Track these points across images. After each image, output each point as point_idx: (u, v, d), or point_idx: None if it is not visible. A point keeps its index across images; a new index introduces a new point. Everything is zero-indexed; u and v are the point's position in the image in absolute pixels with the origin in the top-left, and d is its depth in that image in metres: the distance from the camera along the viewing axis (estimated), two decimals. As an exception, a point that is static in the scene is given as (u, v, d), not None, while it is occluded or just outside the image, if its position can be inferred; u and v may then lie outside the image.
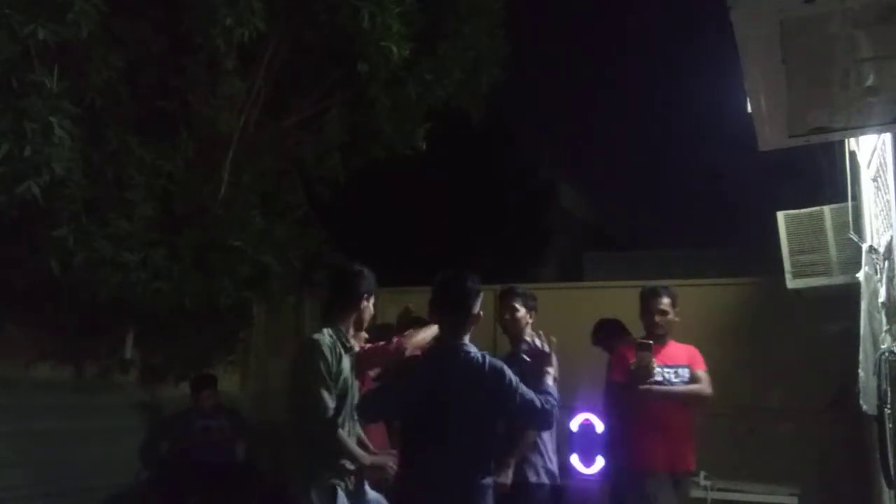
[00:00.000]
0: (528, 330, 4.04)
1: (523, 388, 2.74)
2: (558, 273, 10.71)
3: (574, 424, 5.64)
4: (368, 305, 3.28)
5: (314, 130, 5.70)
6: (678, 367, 3.87)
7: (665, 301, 3.94)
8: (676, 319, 3.95)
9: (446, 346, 2.83)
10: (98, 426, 5.26)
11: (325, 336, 3.09)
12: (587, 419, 5.63)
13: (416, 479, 2.75)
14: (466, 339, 2.80)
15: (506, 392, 2.71)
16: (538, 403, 2.76)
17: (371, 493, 3.21)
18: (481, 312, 2.83)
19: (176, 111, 4.93)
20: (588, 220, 13.49)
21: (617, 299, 6.15)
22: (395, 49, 4.98)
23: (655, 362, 3.76)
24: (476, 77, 5.90)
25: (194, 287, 4.95)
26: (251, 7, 4.37)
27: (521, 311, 4.03)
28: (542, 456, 3.87)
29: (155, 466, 5.39)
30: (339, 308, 3.23)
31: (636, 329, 5.26)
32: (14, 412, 4.74)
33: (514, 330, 4.03)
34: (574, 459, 5.57)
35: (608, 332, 5.12)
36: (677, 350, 3.93)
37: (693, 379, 3.86)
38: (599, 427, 5.56)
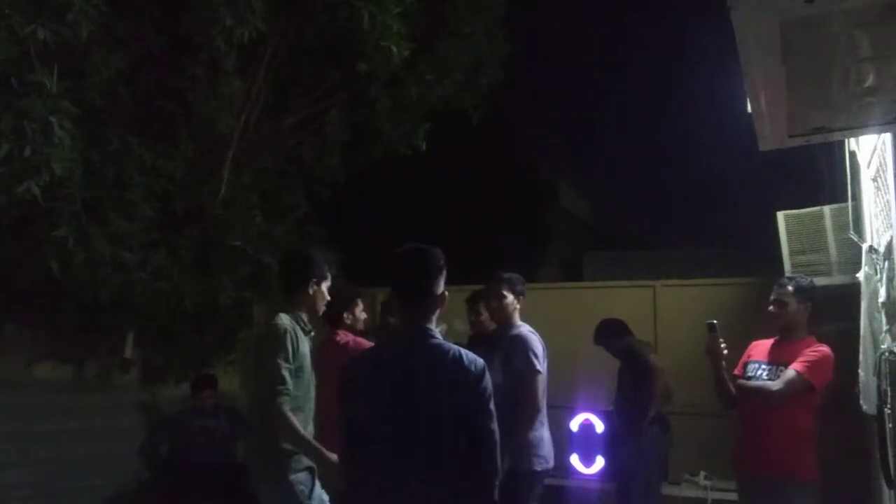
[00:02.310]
0: (516, 316, 4.07)
1: (492, 410, 2.21)
2: (558, 273, 10.73)
3: (574, 424, 5.64)
4: (320, 290, 3.23)
5: (314, 130, 5.70)
6: (779, 365, 3.43)
7: (774, 294, 3.54)
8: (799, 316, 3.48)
9: (413, 333, 2.32)
10: (98, 426, 5.26)
11: (283, 319, 3.07)
12: (587, 419, 5.63)
13: (371, 490, 2.26)
14: (433, 323, 2.34)
15: (475, 394, 2.20)
16: (494, 446, 2.17)
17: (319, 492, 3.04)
18: (446, 293, 2.37)
19: (176, 111, 4.93)
20: (588, 221, 13.51)
21: (617, 299, 6.16)
22: (395, 49, 4.98)
23: (724, 348, 3.52)
24: (476, 77, 5.91)
25: (194, 287, 4.95)
26: (251, 7, 4.37)
27: (509, 298, 4.04)
28: (534, 444, 3.84)
29: (155, 466, 5.38)
30: (289, 293, 3.21)
31: (637, 329, 5.27)
32: (14, 412, 4.74)
33: (501, 316, 4.05)
34: (574, 459, 5.58)
35: (610, 332, 5.12)
36: (798, 347, 3.43)
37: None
38: (599, 427, 5.57)
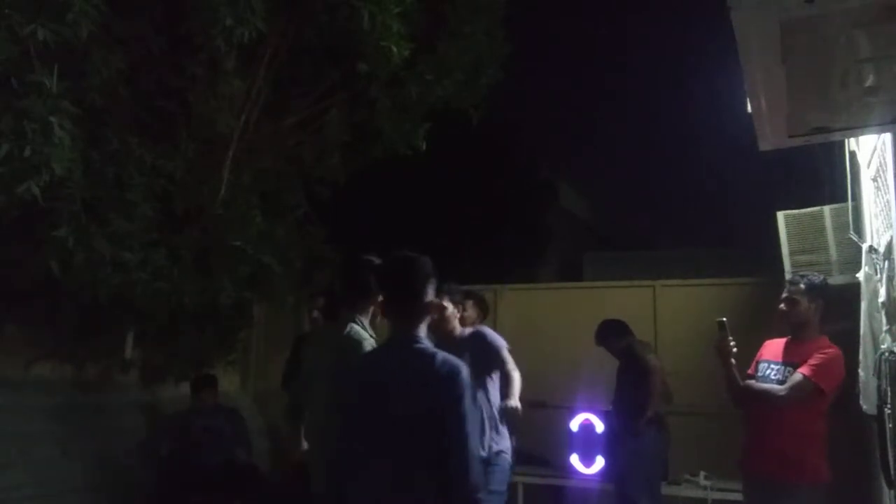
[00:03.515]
0: (457, 324, 4.05)
1: (472, 418, 2.19)
2: (558, 273, 10.73)
3: (574, 424, 5.65)
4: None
5: (314, 130, 5.70)
6: (789, 366, 3.39)
7: (785, 293, 3.50)
8: (810, 315, 3.43)
9: (399, 340, 2.36)
10: (98, 426, 5.26)
11: (365, 333, 2.94)
12: (587, 419, 5.64)
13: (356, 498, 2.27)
14: (421, 331, 2.36)
15: (442, 393, 2.18)
16: (465, 453, 2.14)
17: None
18: (435, 300, 2.45)
19: (176, 111, 4.93)
20: (588, 221, 13.51)
21: (617, 299, 6.17)
22: (394, 49, 4.98)
23: (732, 347, 3.48)
24: (476, 77, 5.90)
25: (194, 287, 4.95)
26: (251, 7, 4.37)
27: (449, 308, 4.01)
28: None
29: (155, 466, 5.39)
30: (356, 301, 3.06)
31: (637, 329, 5.27)
32: (14, 412, 4.74)
33: (444, 328, 3.98)
34: (574, 459, 5.58)
35: (610, 333, 5.13)
36: (809, 349, 3.38)
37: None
38: (599, 427, 5.57)
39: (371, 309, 3.09)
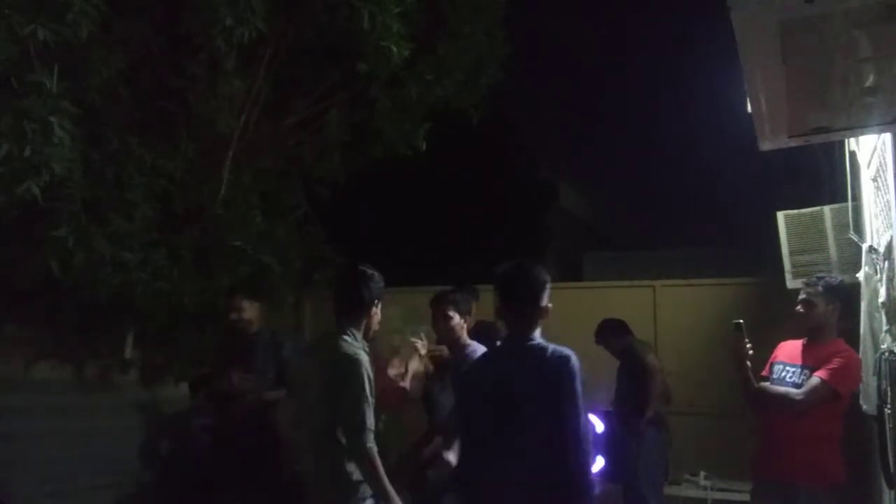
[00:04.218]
0: (464, 335, 3.87)
1: (580, 399, 2.47)
2: (558, 273, 10.72)
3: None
4: (377, 312, 3.09)
5: (314, 130, 5.70)
6: (805, 368, 3.34)
7: (802, 294, 3.46)
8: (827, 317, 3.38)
9: (515, 340, 2.66)
10: (98, 426, 5.26)
11: (361, 350, 2.94)
12: (587, 419, 5.63)
13: (490, 480, 2.57)
14: (537, 333, 2.63)
15: (563, 383, 2.46)
16: (583, 441, 2.44)
17: None
18: (549, 305, 2.67)
19: (176, 111, 4.93)
20: (588, 220, 13.51)
21: (617, 299, 6.16)
22: (394, 49, 4.98)
23: (749, 349, 3.41)
24: (476, 77, 5.90)
25: (194, 287, 4.95)
26: (251, 7, 4.37)
27: (456, 318, 3.85)
28: None
29: (155, 466, 5.38)
30: (349, 313, 3.04)
31: (637, 329, 5.27)
32: (14, 412, 4.74)
33: (450, 337, 3.89)
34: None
35: (610, 332, 5.12)
36: (826, 351, 3.34)
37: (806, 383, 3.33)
38: (599, 427, 5.57)
39: (364, 321, 3.06)
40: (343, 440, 2.88)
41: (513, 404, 2.51)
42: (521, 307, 2.63)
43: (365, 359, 2.92)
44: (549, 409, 2.45)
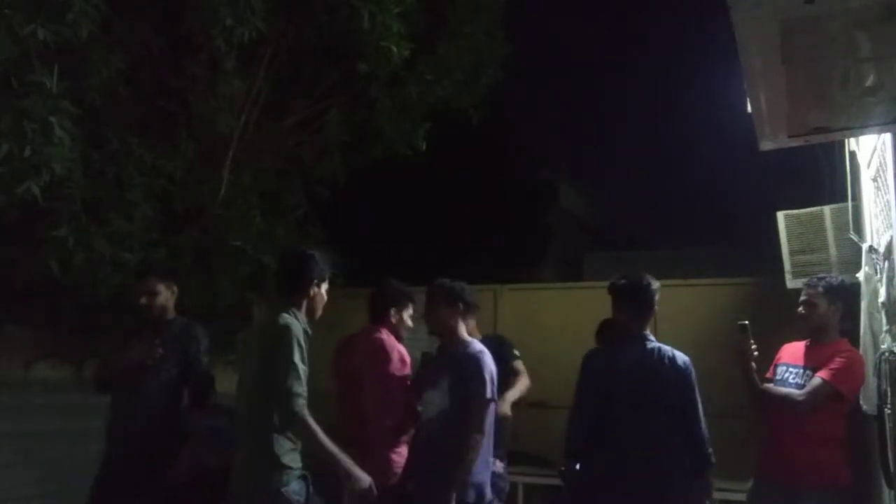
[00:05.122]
0: (463, 330, 3.59)
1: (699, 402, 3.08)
2: (558, 273, 10.72)
3: (574, 424, 5.64)
4: (320, 291, 3.09)
5: (314, 130, 5.71)
6: (808, 369, 3.34)
7: (803, 295, 3.46)
8: (829, 317, 3.39)
9: (632, 338, 3.22)
10: (98, 426, 5.25)
11: (292, 320, 2.92)
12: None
13: (606, 473, 3.09)
14: (647, 330, 3.24)
15: (685, 388, 3.07)
16: (705, 438, 3.03)
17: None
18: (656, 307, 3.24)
19: (176, 111, 4.93)
20: (588, 220, 13.51)
21: (617, 299, 6.15)
22: (394, 49, 4.99)
23: (754, 350, 3.40)
24: (476, 77, 5.91)
25: (194, 287, 4.95)
26: (251, 7, 4.37)
27: (447, 310, 3.55)
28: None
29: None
30: (290, 293, 3.06)
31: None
32: (14, 412, 4.73)
33: (443, 331, 3.61)
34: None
35: (613, 332, 5.12)
36: (828, 352, 3.34)
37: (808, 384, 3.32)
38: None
39: (304, 302, 3.05)
40: (274, 420, 2.83)
41: (634, 396, 3.07)
42: (639, 312, 3.25)
43: (297, 327, 2.90)
44: (666, 403, 3.05)
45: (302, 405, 2.79)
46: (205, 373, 3.73)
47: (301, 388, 2.80)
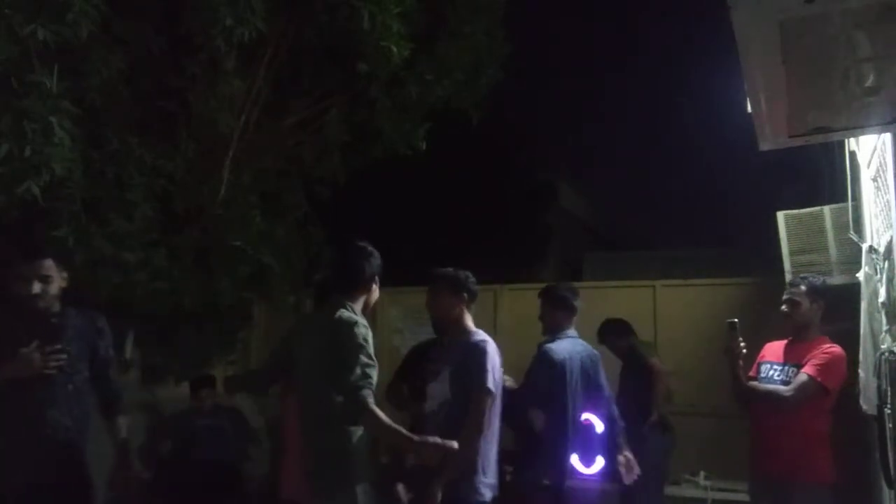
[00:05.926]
0: (468, 320, 3.47)
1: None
2: (558, 273, 10.72)
3: (574, 424, 5.63)
4: (376, 290, 3.03)
5: (314, 130, 5.70)
6: (791, 366, 3.41)
7: (786, 294, 3.53)
8: (811, 315, 3.47)
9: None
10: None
11: (360, 317, 2.83)
12: (587, 419, 5.62)
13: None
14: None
15: None
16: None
17: None
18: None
19: (176, 111, 4.93)
20: (588, 221, 13.51)
21: (617, 299, 6.16)
22: (394, 49, 4.98)
23: (742, 348, 3.47)
24: (476, 77, 5.91)
25: (194, 287, 4.95)
26: (251, 7, 4.37)
27: (450, 299, 3.45)
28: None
29: (155, 466, 5.38)
30: (348, 288, 2.94)
31: (637, 329, 5.27)
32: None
33: (444, 320, 3.52)
34: (574, 459, 5.57)
35: (612, 332, 5.12)
36: (810, 349, 3.41)
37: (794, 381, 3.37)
38: (599, 427, 5.56)
39: (363, 297, 2.98)
40: (342, 421, 2.76)
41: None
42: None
43: (364, 324, 2.82)
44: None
45: (369, 396, 2.70)
46: (115, 380, 3.35)
47: (371, 381, 2.72)
